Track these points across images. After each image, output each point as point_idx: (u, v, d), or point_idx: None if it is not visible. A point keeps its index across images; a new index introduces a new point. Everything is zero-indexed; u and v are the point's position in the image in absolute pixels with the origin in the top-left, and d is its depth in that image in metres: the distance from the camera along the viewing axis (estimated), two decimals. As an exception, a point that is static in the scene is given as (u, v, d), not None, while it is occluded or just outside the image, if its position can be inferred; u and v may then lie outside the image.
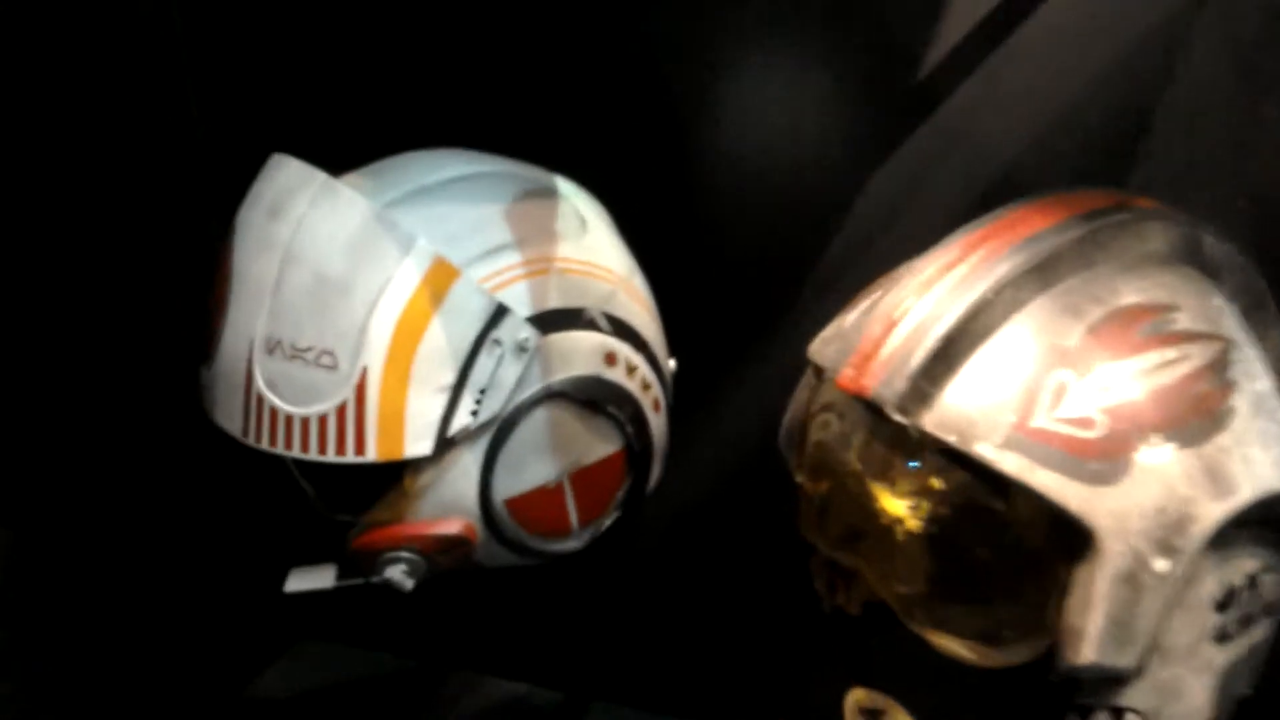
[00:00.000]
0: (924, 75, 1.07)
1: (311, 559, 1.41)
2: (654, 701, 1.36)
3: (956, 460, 0.72)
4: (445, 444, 0.85)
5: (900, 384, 0.72)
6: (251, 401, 0.85)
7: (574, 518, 0.92)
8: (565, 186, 0.96)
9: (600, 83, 1.15)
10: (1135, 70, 1.00)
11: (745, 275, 1.16)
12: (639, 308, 0.94)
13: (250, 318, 0.85)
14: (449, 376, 0.84)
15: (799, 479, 0.90)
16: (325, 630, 1.52)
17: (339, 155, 0.93)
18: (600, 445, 0.91)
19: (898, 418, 0.72)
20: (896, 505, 0.75)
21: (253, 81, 1.26)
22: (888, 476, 0.75)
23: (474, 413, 0.85)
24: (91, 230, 1.15)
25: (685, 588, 1.29)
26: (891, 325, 0.75)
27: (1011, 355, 0.72)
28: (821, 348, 0.82)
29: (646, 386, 0.93)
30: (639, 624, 1.33)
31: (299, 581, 0.90)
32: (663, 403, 0.95)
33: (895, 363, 0.73)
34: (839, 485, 0.82)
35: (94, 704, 1.17)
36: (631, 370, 0.91)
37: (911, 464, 0.75)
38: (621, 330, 0.91)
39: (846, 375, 0.75)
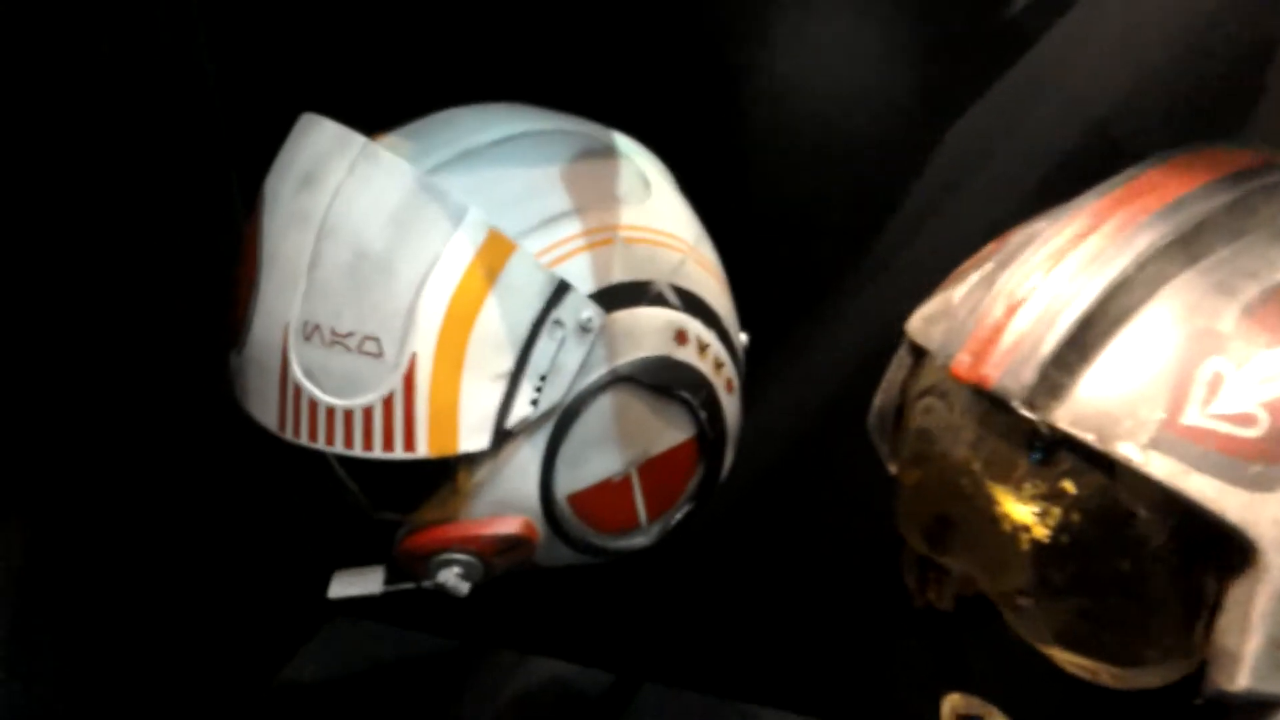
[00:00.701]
0: (1009, 18, 0.96)
1: (338, 541, 1.36)
2: (711, 685, 1.29)
3: (1093, 461, 0.63)
4: (503, 436, 0.77)
5: (1028, 374, 0.64)
6: (288, 392, 0.77)
7: (642, 512, 0.84)
8: (624, 143, 0.87)
9: (645, 27, 1.05)
10: (1247, 17, 0.90)
11: (806, 237, 1.07)
12: (709, 278, 0.85)
13: (284, 300, 0.76)
14: (506, 362, 0.76)
15: (892, 468, 0.81)
16: (357, 608, 1.45)
17: (367, 113, 0.84)
18: (670, 433, 0.83)
19: (1026, 413, 0.63)
20: (1021, 510, 0.66)
21: (270, 28, 1.16)
22: (1010, 478, 0.67)
23: (534, 402, 0.76)
24: (101, 205, 1.06)
25: (746, 569, 1.22)
26: (1015, 306, 0.66)
27: (1156, 341, 0.63)
28: (925, 327, 0.73)
29: (719, 366, 0.84)
30: (697, 606, 1.25)
31: (344, 587, 0.82)
32: (736, 383, 0.86)
33: (1022, 350, 0.64)
34: (943, 479, 0.73)
35: (122, 690, 1.11)
36: (703, 349, 0.83)
37: (1037, 463, 0.66)
38: (691, 304, 0.82)
39: (962, 362, 0.66)
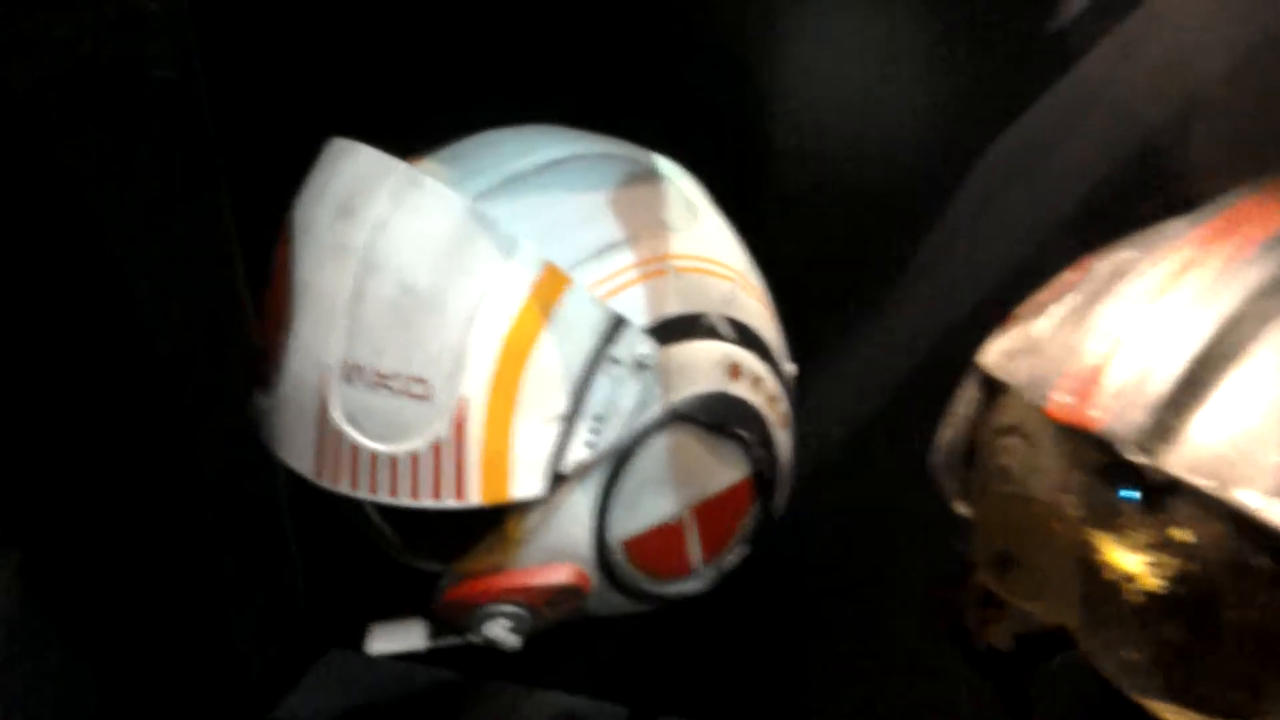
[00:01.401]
0: (1057, 28, 0.93)
1: (335, 570, 1.31)
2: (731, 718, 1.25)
3: (1209, 508, 0.59)
4: (557, 481, 0.72)
5: (1138, 416, 0.60)
6: (327, 437, 0.72)
7: (696, 556, 0.79)
8: (665, 166, 0.83)
9: (660, 34, 1.00)
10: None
11: (840, 252, 1.02)
12: (759, 307, 0.81)
13: (323, 338, 0.71)
14: (562, 403, 0.71)
15: (959, 507, 0.77)
16: (354, 639, 1.39)
17: (370, 132, 0.80)
18: (726, 472, 0.79)
19: (1137, 458, 0.59)
20: (1128, 560, 0.62)
21: (265, 44, 1.11)
22: (1112, 525, 0.63)
23: (590, 444, 0.72)
24: (88, 221, 1.00)
25: (768, 598, 1.17)
26: (1118, 343, 0.62)
27: (1273, 379, 0.59)
28: (1005, 362, 0.69)
29: (772, 400, 0.80)
30: (716, 634, 1.21)
31: (385, 642, 0.77)
32: (789, 417, 0.82)
33: (1131, 390, 0.60)
34: (1026, 522, 0.69)
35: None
36: (756, 382, 0.78)
37: (1137, 507, 0.62)
38: (744, 336, 0.78)
39: (1062, 404, 0.62)
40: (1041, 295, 0.72)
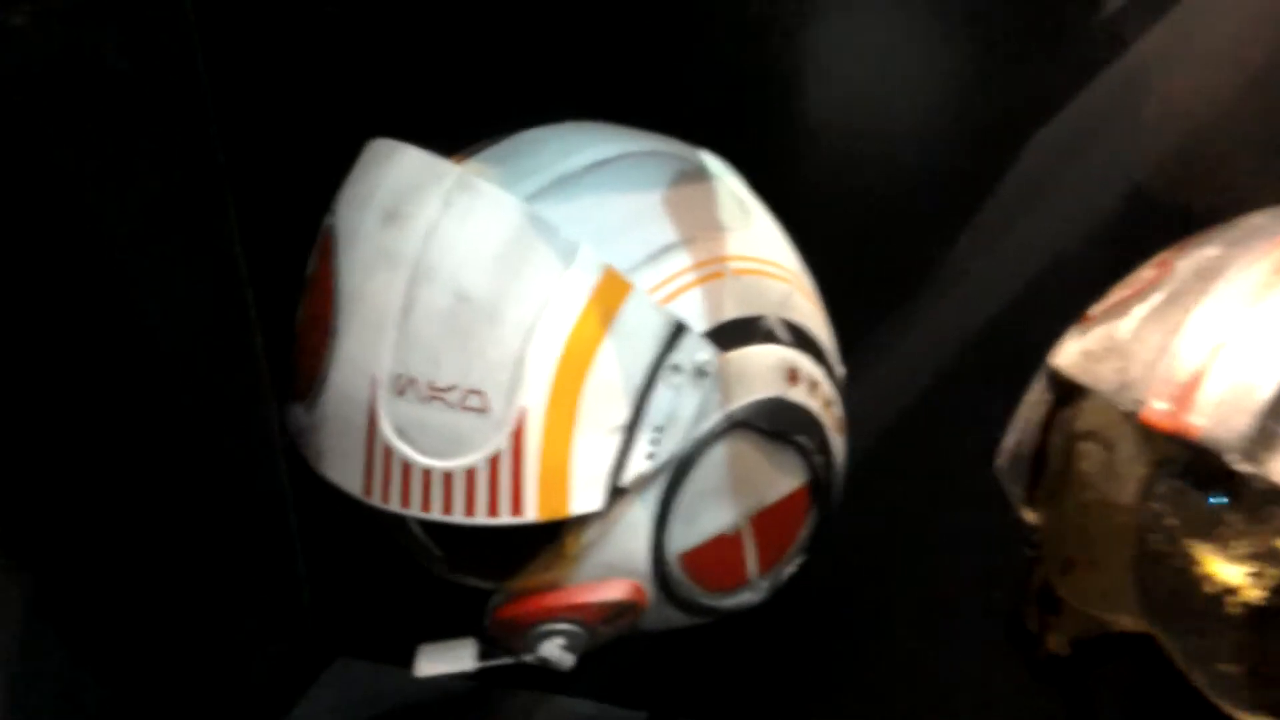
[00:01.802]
0: (1103, 18, 0.90)
1: (337, 576, 1.27)
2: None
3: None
4: (615, 495, 0.69)
5: (1242, 423, 0.58)
6: (376, 452, 0.68)
7: (753, 567, 0.77)
8: (713, 163, 0.79)
9: (685, 31, 0.97)
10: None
11: (877, 246, 0.99)
12: (814, 308, 0.78)
13: (371, 350, 0.68)
14: (622, 414, 0.68)
15: (1026, 513, 0.75)
16: (364, 649, 1.36)
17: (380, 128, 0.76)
18: (784, 480, 0.76)
19: (1243, 467, 0.57)
20: (1229, 571, 0.60)
21: (269, 42, 1.06)
22: (1212, 534, 0.60)
23: (650, 456, 0.69)
24: (88, 221, 0.96)
25: (795, 598, 1.15)
26: (1219, 347, 0.59)
27: (1381, 384, 0.57)
28: (1087, 364, 0.67)
29: (828, 405, 0.77)
30: (740, 636, 1.18)
31: (433, 664, 0.74)
32: (843, 421, 0.79)
33: (1234, 397, 0.58)
34: (1108, 531, 0.67)
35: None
36: (814, 387, 0.76)
37: (1243, 517, 0.60)
38: (800, 339, 0.76)
39: (1159, 411, 0.60)
40: (1120, 294, 0.69)
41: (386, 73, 1.04)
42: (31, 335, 0.89)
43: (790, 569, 0.79)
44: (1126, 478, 0.67)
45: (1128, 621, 0.70)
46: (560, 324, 0.66)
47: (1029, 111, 0.93)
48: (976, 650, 1.10)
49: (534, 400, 0.66)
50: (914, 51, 0.94)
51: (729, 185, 0.78)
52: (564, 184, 0.72)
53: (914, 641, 1.13)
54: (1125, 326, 0.66)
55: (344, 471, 0.70)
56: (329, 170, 0.95)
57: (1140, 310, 0.66)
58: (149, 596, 1.04)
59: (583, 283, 0.67)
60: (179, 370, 1.06)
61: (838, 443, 0.79)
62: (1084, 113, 0.92)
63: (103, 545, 0.98)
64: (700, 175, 0.77)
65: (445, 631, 1.27)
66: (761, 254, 0.75)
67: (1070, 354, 0.69)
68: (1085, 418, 0.69)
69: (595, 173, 0.73)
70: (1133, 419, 0.62)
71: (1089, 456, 0.69)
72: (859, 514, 1.03)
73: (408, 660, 1.31)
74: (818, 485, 0.78)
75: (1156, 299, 0.66)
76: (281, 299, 1.15)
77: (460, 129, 0.79)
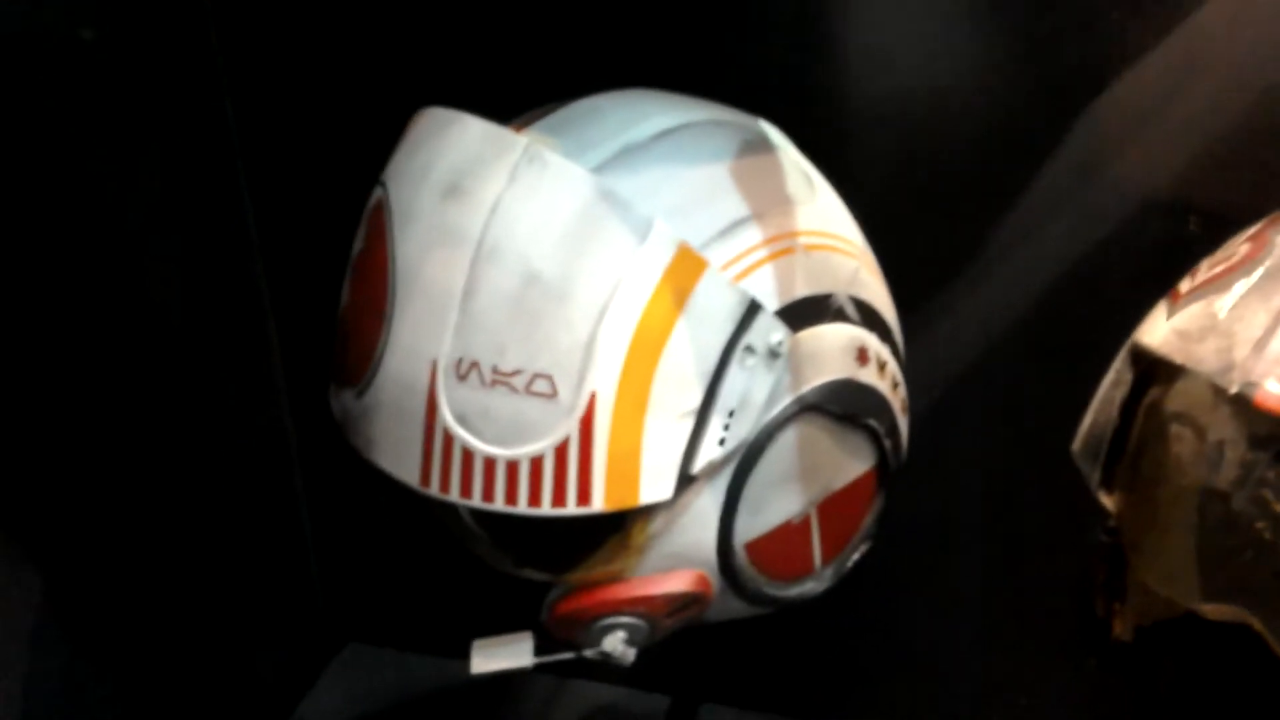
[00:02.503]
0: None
1: (346, 562, 1.23)
2: (781, 706, 1.20)
3: None
4: (684, 483, 0.65)
5: (1364, 407, 0.54)
6: (435, 440, 0.65)
7: (818, 555, 0.74)
8: (774, 134, 0.76)
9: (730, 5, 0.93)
10: None
11: (923, 223, 0.96)
12: (879, 285, 0.75)
13: (430, 333, 0.64)
14: (694, 398, 0.64)
15: (1105, 498, 0.72)
16: (374, 634, 1.33)
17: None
18: (852, 465, 0.73)
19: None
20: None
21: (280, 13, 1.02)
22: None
23: (722, 441, 0.66)
24: (96, 201, 0.91)
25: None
26: (1336, 327, 0.56)
27: None
28: (1184, 344, 0.64)
29: (896, 386, 0.74)
30: (751, 620, 1.16)
31: (488, 661, 0.70)
32: (907, 402, 0.76)
33: (1355, 380, 0.55)
34: (1206, 516, 0.64)
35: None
36: (882, 367, 0.73)
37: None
38: (869, 317, 0.72)
39: (1274, 394, 0.57)
40: (1211, 270, 0.66)
41: (409, 44, 1.00)
42: (39, 327, 0.85)
43: (855, 557, 0.76)
44: (1219, 461, 0.64)
45: (1210, 609, 0.68)
46: (633, 304, 0.63)
47: (1085, 85, 0.90)
48: (1003, 639, 1.08)
49: (604, 385, 0.63)
50: (966, 19, 0.91)
51: (792, 156, 0.74)
52: (629, 155, 0.68)
53: (921, 629, 1.11)
54: (1224, 304, 0.63)
55: (399, 460, 0.66)
56: (349, 150, 0.91)
57: (1240, 287, 0.63)
58: (156, 587, 1.01)
59: (656, 260, 0.63)
60: (188, 357, 1.02)
61: (903, 425, 0.76)
62: (1143, 84, 0.89)
63: (110, 536, 0.95)
64: (764, 146, 0.73)
65: (457, 616, 1.24)
66: (830, 228, 0.72)
67: (1162, 333, 0.65)
68: (1174, 398, 0.66)
69: (661, 143, 0.69)
70: (1238, 401, 0.59)
71: (1179, 439, 0.66)
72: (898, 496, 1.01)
73: (420, 645, 1.29)
74: (885, 470, 0.75)
75: (1257, 275, 0.63)
76: (296, 285, 1.12)
77: (487, 101, 0.75)
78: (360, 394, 0.68)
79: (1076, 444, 0.73)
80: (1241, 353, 0.60)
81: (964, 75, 0.92)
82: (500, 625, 1.18)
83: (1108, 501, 0.73)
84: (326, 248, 1.05)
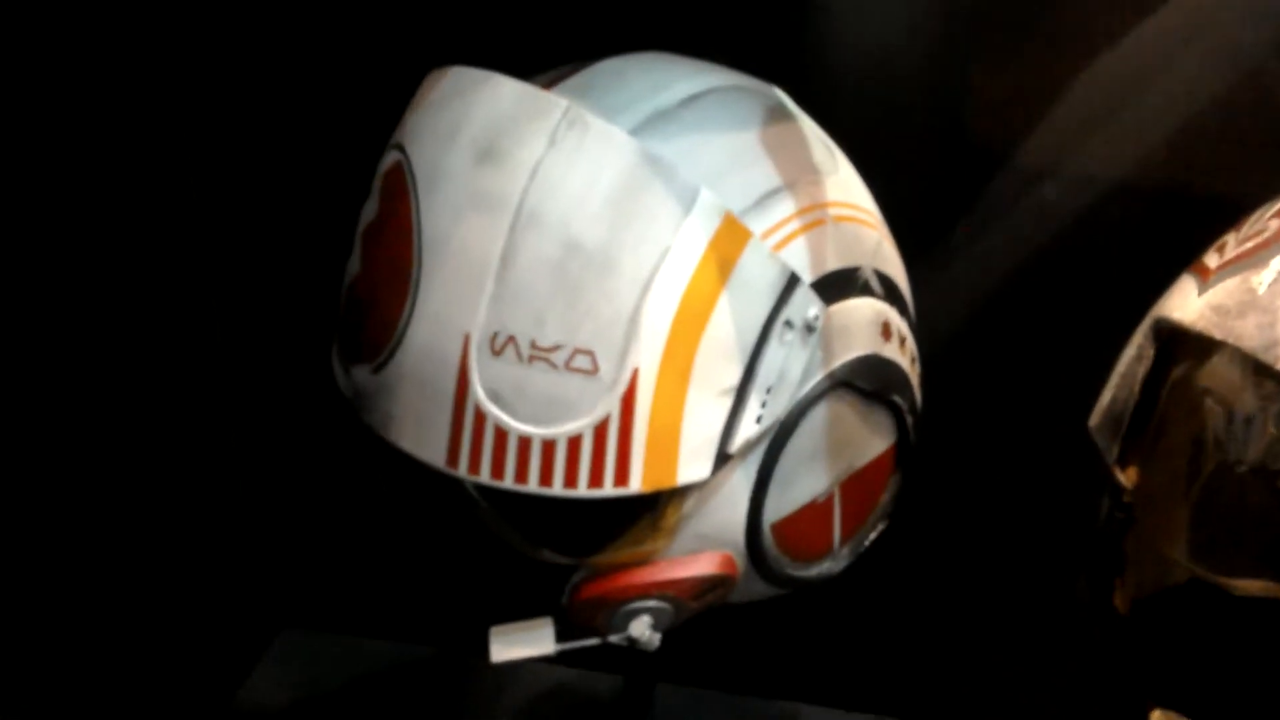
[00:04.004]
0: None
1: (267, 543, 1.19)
2: (740, 683, 1.19)
3: None
4: (720, 461, 0.63)
5: None
6: (465, 419, 0.61)
7: (837, 534, 0.72)
8: (788, 101, 0.74)
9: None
10: None
11: (902, 191, 0.95)
12: (897, 258, 0.74)
13: (462, 305, 0.61)
14: (734, 374, 0.62)
15: (1122, 475, 0.72)
16: (310, 618, 1.28)
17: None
18: (875, 442, 0.72)
19: None
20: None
21: None
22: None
23: (759, 419, 0.64)
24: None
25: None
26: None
27: None
28: (1222, 320, 0.64)
29: (914, 360, 0.73)
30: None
31: (508, 649, 0.68)
32: (921, 377, 0.75)
33: None
34: (1240, 493, 0.64)
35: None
36: (903, 342, 0.72)
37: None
38: (891, 291, 0.71)
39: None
40: (1244, 246, 0.66)
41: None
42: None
43: (872, 535, 0.75)
44: (1247, 437, 0.64)
45: (1240, 584, 0.68)
46: (678, 275, 0.60)
47: (1073, 51, 0.90)
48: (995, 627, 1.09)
49: (647, 360, 0.60)
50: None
51: (810, 124, 0.73)
52: (660, 120, 0.65)
53: (879, 603, 1.11)
54: (1263, 279, 0.63)
55: (422, 440, 0.63)
56: (296, 123, 0.87)
57: (1278, 262, 0.63)
58: (73, 578, 0.95)
59: (702, 230, 0.61)
60: (116, 333, 0.96)
61: (919, 401, 0.75)
62: (1132, 54, 0.90)
63: (25, 524, 0.88)
64: (785, 113, 0.71)
65: (395, 597, 1.20)
66: (853, 199, 0.71)
67: (1195, 309, 0.65)
68: (1204, 374, 0.66)
69: (690, 109, 0.67)
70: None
71: (1211, 415, 0.65)
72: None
73: (356, 628, 1.25)
74: (905, 447, 0.74)
75: (1289, 246, 0.63)
76: (235, 256, 1.06)
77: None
78: (378, 369, 0.64)
79: (1094, 419, 0.73)
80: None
81: (956, 35, 0.91)
82: (436, 605, 1.15)
83: (1123, 477, 0.73)
84: (270, 219, 1.01)
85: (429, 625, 1.22)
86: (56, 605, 0.93)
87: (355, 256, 0.67)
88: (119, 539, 1.00)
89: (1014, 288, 0.95)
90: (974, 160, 0.93)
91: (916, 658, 1.13)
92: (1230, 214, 0.73)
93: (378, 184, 0.66)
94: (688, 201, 0.60)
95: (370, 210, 0.66)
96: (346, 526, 1.18)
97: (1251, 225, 0.68)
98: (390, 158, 0.65)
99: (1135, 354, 0.71)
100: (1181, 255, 0.72)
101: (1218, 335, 0.64)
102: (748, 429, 0.64)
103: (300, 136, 0.96)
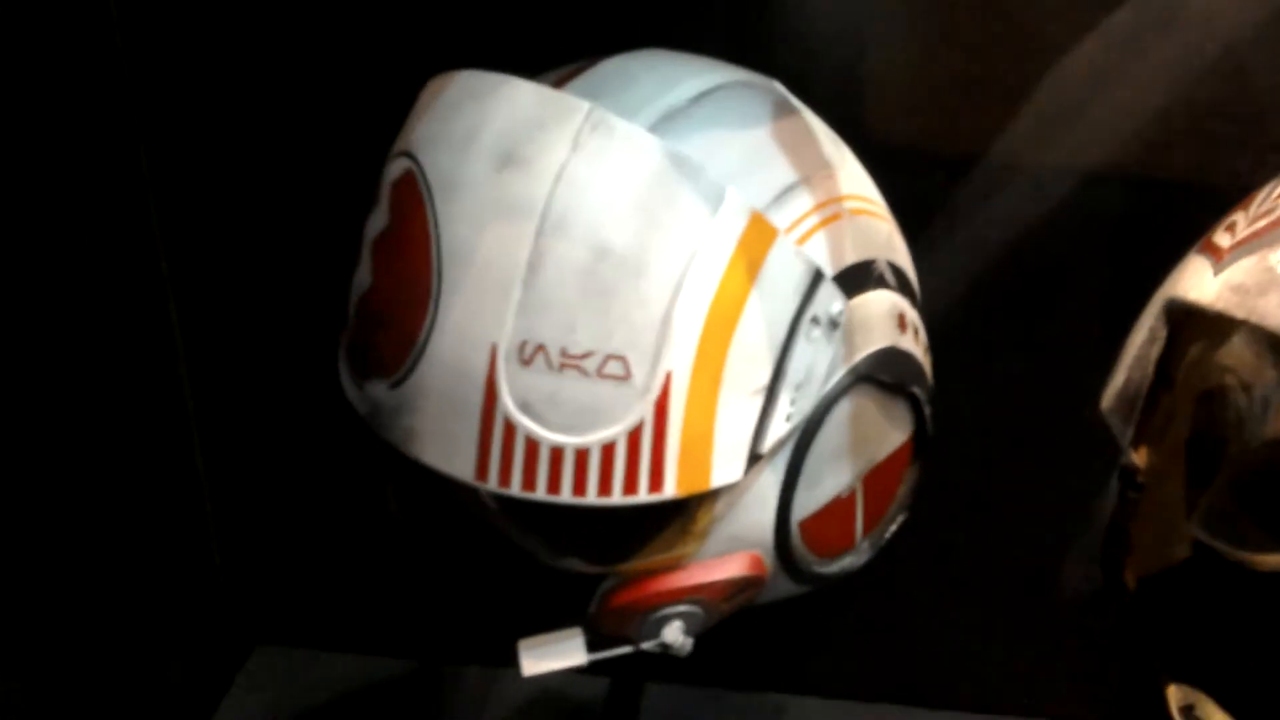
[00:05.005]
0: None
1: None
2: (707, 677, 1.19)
3: None
4: (752, 462, 0.62)
5: None
6: (494, 431, 0.60)
7: (859, 528, 0.72)
8: (790, 95, 0.73)
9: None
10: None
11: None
12: (905, 250, 0.73)
13: (489, 314, 0.59)
14: (764, 374, 0.62)
15: (1135, 456, 0.72)
16: (285, 634, 1.26)
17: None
18: (894, 434, 0.71)
19: None
20: None
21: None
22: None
23: (789, 417, 0.63)
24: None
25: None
26: None
27: None
28: (1244, 299, 0.64)
29: (927, 351, 0.73)
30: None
31: (540, 661, 0.66)
32: (932, 368, 0.75)
33: None
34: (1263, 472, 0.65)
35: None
36: (917, 333, 0.72)
37: None
38: (903, 283, 0.71)
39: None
40: (1257, 224, 0.66)
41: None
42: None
43: (892, 527, 0.75)
44: (1267, 415, 0.65)
45: (1262, 559, 0.69)
46: (709, 276, 0.59)
47: (1042, 48, 0.90)
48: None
49: (680, 364, 0.59)
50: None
51: (815, 118, 0.72)
52: (674, 119, 0.64)
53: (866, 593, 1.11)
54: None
55: (449, 454, 0.61)
56: (253, 132, 0.84)
57: (1301, 235, 0.63)
58: (53, 600, 0.92)
59: (731, 229, 0.60)
60: (82, 347, 0.93)
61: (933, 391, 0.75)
62: (1099, 48, 0.90)
63: None
64: (791, 108, 0.71)
65: (369, 611, 1.18)
66: (864, 192, 0.70)
67: (1213, 288, 0.65)
68: (1222, 353, 0.66)
69: (701, 107, 0.66)
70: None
71: (1231, 393, 0.66)
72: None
73: (331, 644, 1.22)
74: (922, 437, 0.73)
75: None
76: (198, 269, 1.04)
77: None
78: (397, 384, 0.62)
79: (1107, 402, 0.73)
80: (1311, 306, 0.60)
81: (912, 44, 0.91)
82: (411, 618, 1.13)
83: (1137, 458, 0.74)
84: (228, 230, 0.98)
85: (406, 639, 1.20)
86: (31, 623, 0.90)
87: (365, 269, 0.65)
88: (94, 556, 0.97)
89: (988, 280, 0.95)
90: (948, 153, 0.93)
91: (909, 643, 1.13)
92: (1205, 201, 0.73)
93: (386, 193, 0.64)
94: (715, 201, 0.59)
95: (379, 221, 0.64)
96: (322, 542, 1.15)
97: (1260, 204, 0.68)
98: (399, 166, 0.63)
99: (1148, 336, 0.71)
100: (1162, 242, 0.72)
101: (1239, 315, 0.64)
102: (778, 428, 0.63)
103: (288, 143, 0.93)
